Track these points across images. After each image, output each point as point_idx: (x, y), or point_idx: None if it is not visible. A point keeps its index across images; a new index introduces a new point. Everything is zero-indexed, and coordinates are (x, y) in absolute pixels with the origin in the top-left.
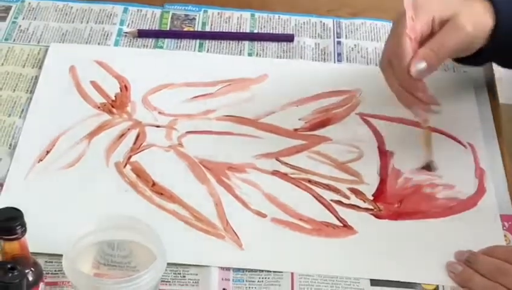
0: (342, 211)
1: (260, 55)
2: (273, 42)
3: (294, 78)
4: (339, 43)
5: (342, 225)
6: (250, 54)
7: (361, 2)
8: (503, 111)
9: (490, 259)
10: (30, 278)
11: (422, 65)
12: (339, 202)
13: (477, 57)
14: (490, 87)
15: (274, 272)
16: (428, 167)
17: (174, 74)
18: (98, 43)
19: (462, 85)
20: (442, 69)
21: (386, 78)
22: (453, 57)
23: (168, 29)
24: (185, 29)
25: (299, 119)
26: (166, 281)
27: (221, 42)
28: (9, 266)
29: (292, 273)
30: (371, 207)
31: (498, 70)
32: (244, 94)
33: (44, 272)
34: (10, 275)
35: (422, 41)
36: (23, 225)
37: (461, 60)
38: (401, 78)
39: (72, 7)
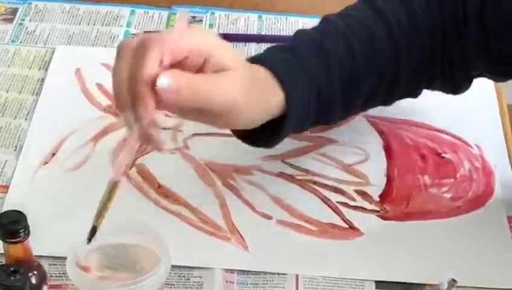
0: (348, 213)
1: None
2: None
3: None
4: None
5: (347, 226)
6: None
7: None
8: (510, 112)
9: None
10: (33, 281)
11: (169, 81)
12: (345, 204)
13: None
14: (497, 88)
15: (278, 274)
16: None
17: None
18: (105, 45)
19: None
20: None
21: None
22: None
23: None
24: None
25: None
26: (171, 284)
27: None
28: (12, 269)
29: (297, 276)
30: (377, 209)
31: None
32: None
33: (48, 275)
34: (13, 278)
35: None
36: (26, 228)
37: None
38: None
39: (78, 9)
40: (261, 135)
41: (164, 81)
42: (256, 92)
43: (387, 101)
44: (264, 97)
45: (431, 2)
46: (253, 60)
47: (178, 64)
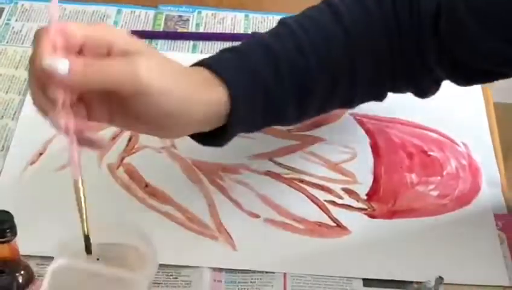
0: (336, 211)
1: None
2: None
3: None
4: None
5: (335, 224)
6: None
7: None
8: (497, 110)
9: None
10: (20, 281)
11: (59, 63)
12: (332, 202)
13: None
14: (484, 86)
15: (266, 273)
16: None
17: None
18: None
19: (455, 85)
20: None
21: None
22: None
23: (161, 30)
24: (179, 30)
25: None
26: (158, 283)
27: (215, 43)
28: None
29: (285, 274)
30: (364, 207)
31: None
32: None
33: (36, 275)
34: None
35: None
36: (13, 228)
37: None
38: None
39: (65, 8)
40: (211, 134)
41: (51, 63)
42: (194, 87)
43: (349, 102)
44: (203, 94)
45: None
46: (195, 63)
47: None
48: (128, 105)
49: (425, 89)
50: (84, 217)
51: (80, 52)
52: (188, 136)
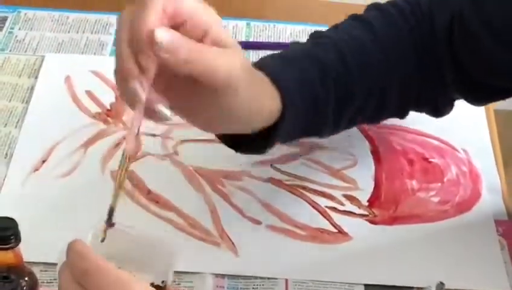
0: (337, 218)
1: None
2: (269, 51)
3: None
4: None
5: (336, 231)
6: None
7: (356, 10)
8: (497, 117)
9: None
10: (25, 288)
11: (168, 37)
12: (334, 209)
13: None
14: None
15: (268, 279)
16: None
17: None
18: (94, 53)
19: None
20: None
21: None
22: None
23: None
24: None
25: None
26: None
27: None
28: (2, 275)
29: (286, 280)
30: (365, 213)
31: None
32: None
33: (39, 281)
34: (3, 284)
35: None
36: (17, 235)
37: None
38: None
39: (68, 17)
40: (250, 142)
41: (163, 35)
42: (255, 87)
43: (374, 119)
44: (261, 96)
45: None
46: (255, 65)
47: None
48: (206, 94)
49: (441, 108)
50: (119, 191)
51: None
52: (222, 141)
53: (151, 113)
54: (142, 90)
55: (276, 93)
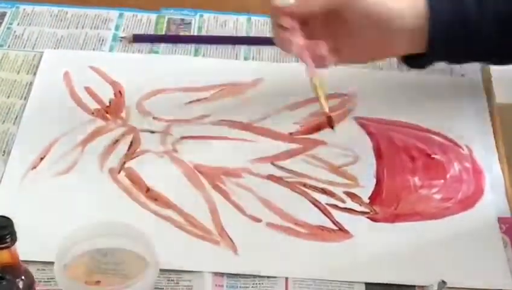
0: (338, 215)
1: (256, 59)
2: (270, 46)
3: (289, 82)
4: None
5: (337, 228)
6: (246, 58)
7: None
8: (500, 111)
9: None
10: (21, 287)
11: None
12: (335, 206)
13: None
14: (487, 88)
15: (268, 277)
16: (329, 121)
17: (169, 79)
18: (93, 49)
19: (459, 88)
20: (440, 73)
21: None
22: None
23: (163, 33)
24: (181, 33)
25: (295, 123)
26: (160, 288)
27: (217, 46)
28: None
29: (286, 279)
30: (366, 210)
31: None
32: (240, 98)
33: (36, 280)
34: None
35: None
36: (13, 234)
37: (406, 61)
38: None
39: (67, 12)
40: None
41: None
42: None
43: None
44: (407, 10)
45: None
46: None
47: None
48: (346, 20)
49: None
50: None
51: None
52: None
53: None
54: (294, 40)
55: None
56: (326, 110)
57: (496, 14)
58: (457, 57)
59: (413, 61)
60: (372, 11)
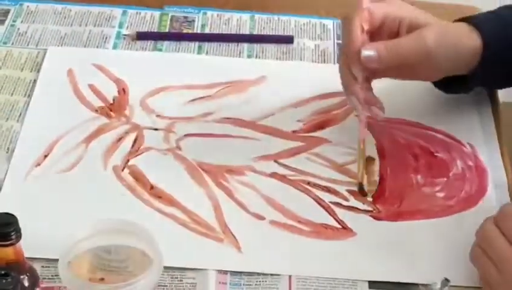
0: (341, 213)
1: (260, 57)
2: (273, 44)
3: (293, 80)
4: (339, 44)
5: (340, 227)
6: (249, 56)
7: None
8: (503, 109)
9: None
10: (26, 284)
11: (371, 53)
12: (338, 204)
13: (463, 83)
14: None
15: (271, 275)
16: (360, 190)
17: (172, 77)
18: (97, 46)
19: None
20: None
21: (340, 68)
22: (408, 66)
23: (167, 31)
24: (184, 31)
25: (298, 121)
26: (163, 285)
27: (220, 44)
28: (2, 272)
29: (290, 276)
30: (370, 209)
31: None
32: (243, 96)
33: (40, 277)
34: (4, 281)
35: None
36: (17, 231)
37: (447, 87)
38: (349, 64)
39: (70, 10)
40: (456, 82)
41: (366, 52)
42: (449, 36)
43: None
44: (457, 41)
45: None
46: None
47: (377, 32)
48: (414, 68)
49: None
50: (361, 167)
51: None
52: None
53: (370, 111)
54: (360, 94)
55: (474, 33)
56: (361, 177)
57: None
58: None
59: (454, 85)
60: (442, 63)
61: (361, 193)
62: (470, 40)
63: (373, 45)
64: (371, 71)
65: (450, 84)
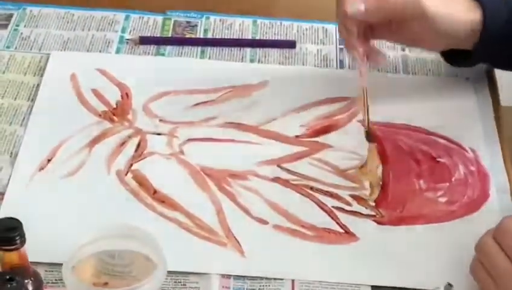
0: (344, 218)
1: (262, 62)
2: (275, 49)
3: (295, 85)
4: (341, 49)
5: (343, 231)
6: (252, 61)
7: None
8: (505, 114)
9: None
10: (30, 288)
11: (357, 6)
12: (341, 209)
13: (467, 57)
14: (492, 91)
15: (275, 279)
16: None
17: (175, 81)
18: (100, 51)
19: (464, 91)
20: (445, 75)
21: (338, 26)
22: (397, 20)
23: (169, 36)
24: (187, 36)
25: (301, 126)
26: None
27: (223, 49)
28: (7, 277)
29: (293, 281)
30: (372, 213)
31: (498, 72)
32: (246, 101)
33: (44, 282)
34: (9, 286)
35: None
36: (22, 236)
37: (451, 58)
38: (341, 19)
39: (73, 14)
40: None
41: (354, 6)
42: (459, 10)
43: None
44: (464, 15)
45: None
46: None
47: None
48: (407, 27)
49: None
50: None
51: None
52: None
53: (371, 59)
54: (356, 46)
55: (478, 8)
56: (366, 122)
57: None
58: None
59: (460, 59)
60: (439, 28)
61: (368, 139)
62: (472, 13)
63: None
64: (366, 26)
65: (455, 57)
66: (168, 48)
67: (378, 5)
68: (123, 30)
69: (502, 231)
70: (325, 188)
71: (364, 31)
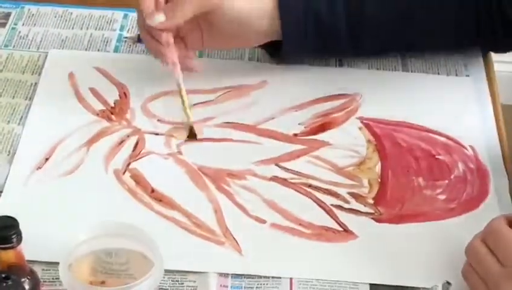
0: (342, 216)
1: (261, 61)
2: None
3: (294, 83)
4: None
5: (342, 229)
6: (250, 59)
7: None
8: (504, 112)
9: None
10: (26, 287)
11: (161, 18)
12: (339, 207)
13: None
14: (492, 89)
15: (273, 278)
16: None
17: (173, 81)
18: (98, 49)
19: (463, 88)
20: (444, 73)
21: (142, 37)
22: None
23: None
24: None
25: (299, 124)
26: (164, 289)
27: None
28: (3, 275)
29: (291, 279)
30: (371, 211)
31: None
32: (244, 100)
33: (41, 280)
34: (5, 284)
35: None
36: (18, 234)
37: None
38: (145, 27)
39: (71, 13)
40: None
41: (150, 21)
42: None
43: (426, 50)
44: (261, 9)
45: None
46: None
47: None
48: (211, 23)
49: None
50: (186, 105)
51: None
52: (262, 48)
53: (185, 67)
54: (168, 54)
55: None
56: (191, 119)
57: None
58: (312, 51)
59: (276, 52)
60: (236, 17)
61: (191, 136)
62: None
63: (161, 8)
64: (172, 32)
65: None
66: None
67: (175, 13)
68: (121, 29)
69: (489, 233)
70: (324, 186)
71: (174, 37)
